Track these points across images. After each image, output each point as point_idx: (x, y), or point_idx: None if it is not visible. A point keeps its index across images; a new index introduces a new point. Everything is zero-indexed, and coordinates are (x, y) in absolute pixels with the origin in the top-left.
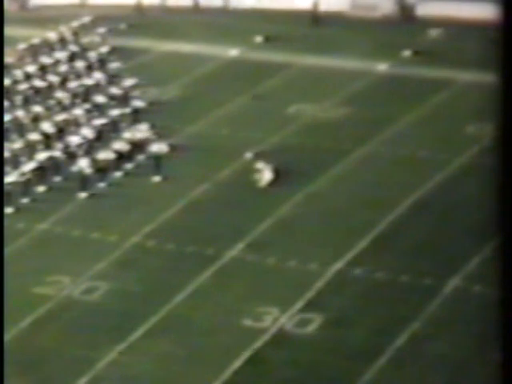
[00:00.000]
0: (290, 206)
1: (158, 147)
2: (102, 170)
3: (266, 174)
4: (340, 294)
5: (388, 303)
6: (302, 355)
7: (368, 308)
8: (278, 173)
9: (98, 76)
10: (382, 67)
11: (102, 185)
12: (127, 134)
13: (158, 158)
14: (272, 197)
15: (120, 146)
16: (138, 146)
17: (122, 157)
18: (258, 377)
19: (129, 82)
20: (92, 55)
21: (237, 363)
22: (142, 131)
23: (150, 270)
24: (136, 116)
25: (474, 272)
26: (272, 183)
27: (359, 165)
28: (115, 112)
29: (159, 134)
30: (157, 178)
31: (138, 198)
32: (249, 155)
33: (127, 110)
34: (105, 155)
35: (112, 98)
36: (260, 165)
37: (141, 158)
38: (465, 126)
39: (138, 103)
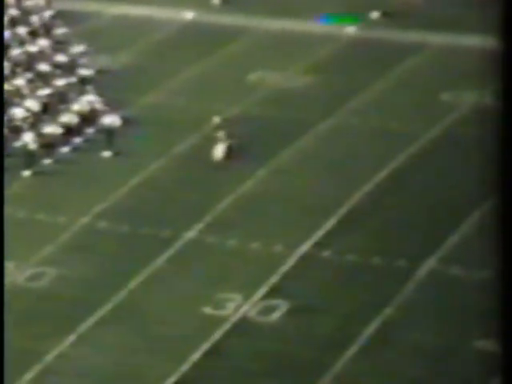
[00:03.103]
0: (252, 182)
1: (110, 120)
2: (48, 145)
3: (219, 147)
4: (307, 279)
5: (358, 288)
6: (266, 345)
7: (337, 293)
8: (230, 148)
9: (42, 43)
10: (349, 30)
11: (48, 161)
12: (76, 106)
13: (109, 132)
14: (233, 173)
15: (68, 118)
16: (87, 119)
17: (70, 131)
18: (219, 369)
19: (76, 48)
20: (35, 20)
21: (196, 354)
22: (91, 103)
23: (102, 254)
24: (84, 86)
25: (451, 253)
26: (227, 157)
27: (326, 137)
28: (61, 82)
29: (110, 106)
30: (108, 154)
31: (88, 175)
32: (216, 120)
33: (74, 80)
34: (51, 129)
35: (58, 66)
36: (221, 134)
37: (90, 131)
38: (439, 94)
39: (87, 72)
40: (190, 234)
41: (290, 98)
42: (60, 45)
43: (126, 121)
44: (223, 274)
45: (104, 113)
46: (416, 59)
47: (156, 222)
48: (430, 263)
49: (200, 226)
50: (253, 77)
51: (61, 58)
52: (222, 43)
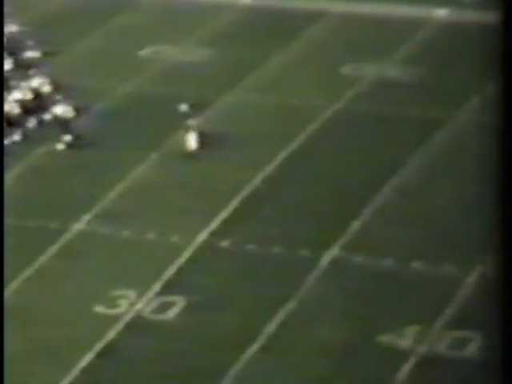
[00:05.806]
0: (145, 167)
1: None
2: None
3: (193, 136)
4: (205, 272)
5: (259, 280)
6: (163, 346)
7: (237, 287)
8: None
9: None
10: None
11: None
12: None
13: None
14: (123, 157)
15: None
16: None
17: None
18: (111, 373)
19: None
20: None
21: (87, 358)
22: None
23: None
24: None
25: (355, 239)
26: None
27: (223, 116)
28: None
29: None
30: None
31: None
32: (184, 107)
33: None
34: None
35: None
36: (192, 122)
37: None
38: (340, 67)
39: None
40: (79, 225)
41: (185, 74)
42: None
43: None
44: (116, 269)
45: None
46: (316, 29)
47: (41, 213)
48: (333, 251)
49: (89, 216)
50: (144, 52)
51: None
52: (109, 15)
